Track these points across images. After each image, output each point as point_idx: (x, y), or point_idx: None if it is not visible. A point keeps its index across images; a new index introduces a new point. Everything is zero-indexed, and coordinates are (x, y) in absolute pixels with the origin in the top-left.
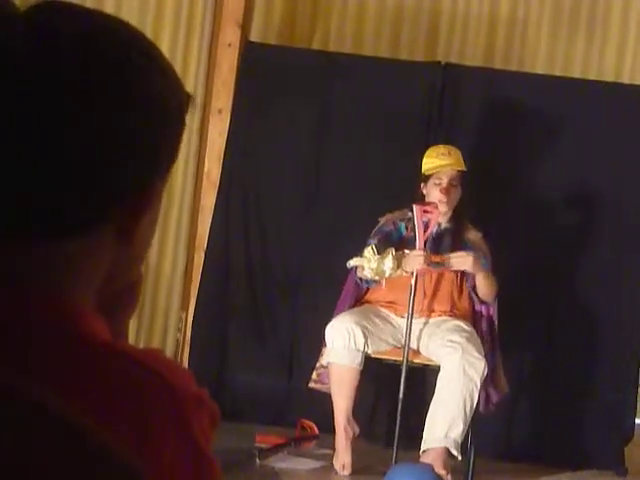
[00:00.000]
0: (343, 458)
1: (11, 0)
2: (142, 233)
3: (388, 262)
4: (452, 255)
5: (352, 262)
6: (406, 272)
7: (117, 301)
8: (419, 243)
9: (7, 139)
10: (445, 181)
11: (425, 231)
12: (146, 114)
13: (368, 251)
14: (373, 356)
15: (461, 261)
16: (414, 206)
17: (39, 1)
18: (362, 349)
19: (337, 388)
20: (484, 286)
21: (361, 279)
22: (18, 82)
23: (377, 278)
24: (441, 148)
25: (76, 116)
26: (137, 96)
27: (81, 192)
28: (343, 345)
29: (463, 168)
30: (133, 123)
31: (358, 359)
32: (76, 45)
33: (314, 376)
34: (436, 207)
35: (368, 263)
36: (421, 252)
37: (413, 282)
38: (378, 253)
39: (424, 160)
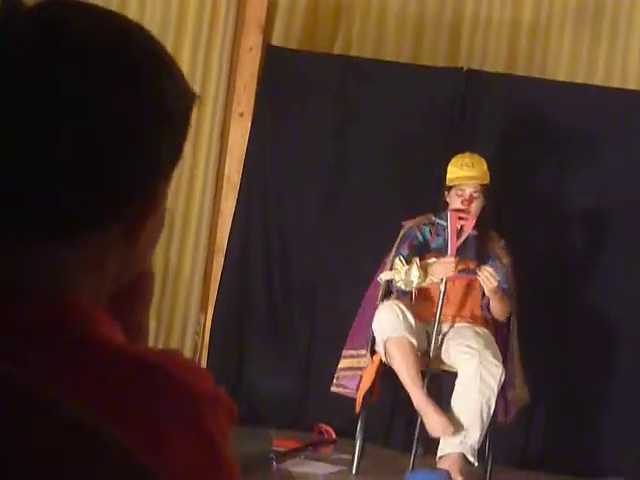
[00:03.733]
0: (436, 418)
1: None
2: (148, 233)
3: (414, 272)
4: (483, 267)
5: (383, 276)
6: (435, 279)
7: (129, 296)
8: (451, 250)
9: (14, 139)
10: (467, 193)
11: (458, 238)
12: (152, 114)
13: (397, 263)
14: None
15: (488, 278)
16: (449, 213)
17: None
18: (414, 326)
19: (403, 360)
20: (497, 308)
21: (397, 290)
22: (24, 81)
23: (408, 289)
24: (466, 158)
25: (81, 116)
26: (143, 96)
27: (88, 192)
28: (397, 320)
29: (486, 182)
30: (139, 123)
31: (414, 335)
32: (82, 44)
33: (335, 380)
34: (470, 213)
35: (399, 275)
36: (452, 259)
37: (442, 288)
38: (408, 262)
39: (448, 168)
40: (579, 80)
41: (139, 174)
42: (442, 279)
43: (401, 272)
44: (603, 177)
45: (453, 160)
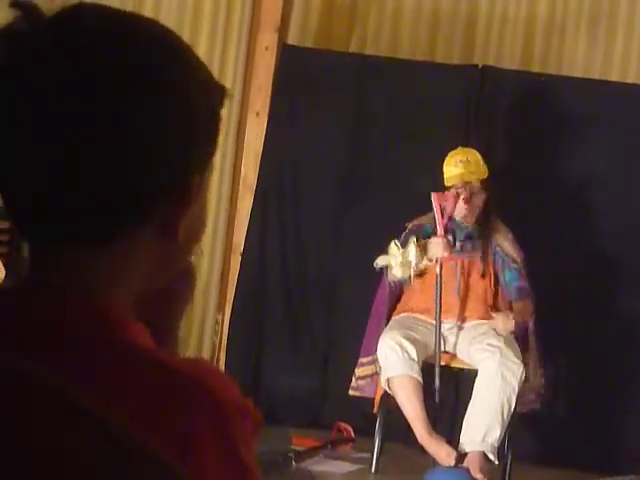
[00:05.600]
0: (440, 450)
1: (36, 5)
2: (187, 228)
3: (412, 251)
4: (496, 316)
5: (379, 261)
6: (430, 260)
7: (170, 295)
8: (439, 229)
9: (42, 146)
10: (467, 191)
11: (443, 217)
12: (177, 112)
13: (391, 247)
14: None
15: (504, 322)
16: (432, 194)
17: (66, 5)
18: (416, 358)
19: (405, 399)
20: (521, 318)
21: (393, 282)
22: (48, 89)
23: (406, 276)
24: (459, 155)
25: (107, 118)
26: (168, 95)
27: (119, 194)
28: (397, 358)
29: (484, 176)
30: (165, 122)
31: (416, 368)
32: (104, 49)
33: (353, 383)
34: (454, 196)
35: (395, 259)
36: (440, 238)
37: (438, 270)
38: (403, 247)
39: (444, 168)
40: (595, 76)
41: (166, 174)
42: (437, 260)
43: (397, 255)
44: (622, 173)
45: (447, 159)
